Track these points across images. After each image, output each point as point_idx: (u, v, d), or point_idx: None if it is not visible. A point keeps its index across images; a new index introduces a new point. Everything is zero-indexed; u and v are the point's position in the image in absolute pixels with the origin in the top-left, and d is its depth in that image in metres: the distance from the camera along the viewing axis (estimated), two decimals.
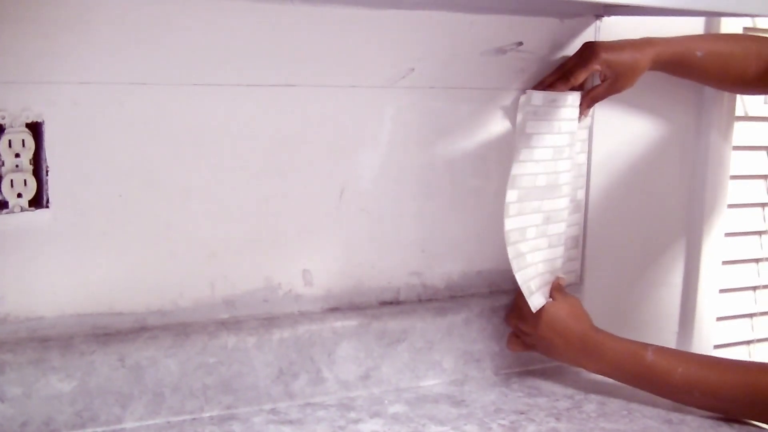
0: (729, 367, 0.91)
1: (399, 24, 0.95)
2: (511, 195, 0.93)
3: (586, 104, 1.03)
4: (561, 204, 1.02)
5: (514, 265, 0.95)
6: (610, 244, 1.16)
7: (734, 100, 1.22)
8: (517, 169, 0.93)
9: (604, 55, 0.99)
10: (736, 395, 0.88)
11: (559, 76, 1.02)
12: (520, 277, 0.96)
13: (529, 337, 1.01)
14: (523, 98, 0.95)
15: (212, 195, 0.89)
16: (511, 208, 0.94)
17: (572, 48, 1.06)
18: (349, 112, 0.95)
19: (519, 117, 0.95)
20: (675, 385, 0.91)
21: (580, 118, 1.03)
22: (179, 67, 0.85)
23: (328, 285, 0.97)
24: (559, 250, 1.03)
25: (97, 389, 0.82)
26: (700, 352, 1.17)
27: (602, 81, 1.02)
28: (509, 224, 0.94)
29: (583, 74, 1.00)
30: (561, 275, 1.04)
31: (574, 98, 1.01)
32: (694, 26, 1.17)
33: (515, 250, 0.95)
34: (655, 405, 0.95)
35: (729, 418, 0.91)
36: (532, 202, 0.97)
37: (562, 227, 1.03)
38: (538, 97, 0.96)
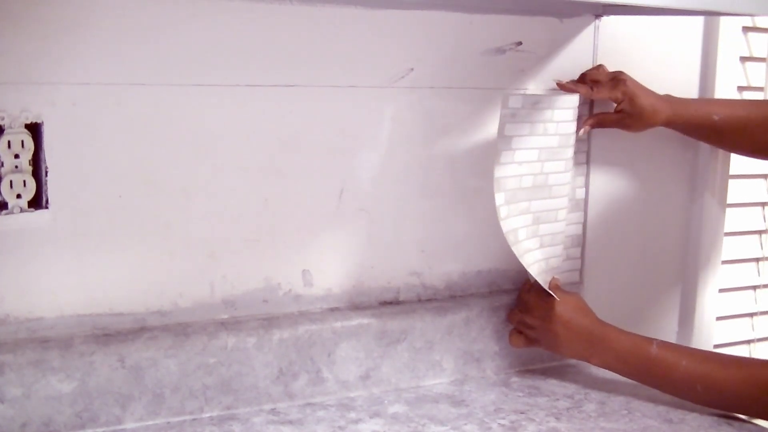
0: (733, 362, 0.91)
1: (399, 24, 0.95)
2: (498, 198, 0.93)
3: (590, 123, 1.05)
4: (553, 204, 1.00)
5: (524, 261, 0.96)
6: (610, 244, 1.16)
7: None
8: (499, 172, 0.92)
9: (633, 89, 1.02)
10: (739, 390, 0.88)
11: (581, 81, 1.04)
12: (533, 270, 0.96)
13: (534, 330, 1.01)
14: (502, 101, 0.93)
15: (212, 195, 0.89)
16: (502, 211, 0.93)
17: (572, 48, 1.06)
18: (349, 112, 0.95)
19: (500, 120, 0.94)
20: (678, 379, 0.91)
21: (578, 133, 1.02)
22: (179, 67, 0.85)
23: (328, 285, 0.97)
24: (554, 250, 1.03)
25: (97, 390, 0.82)
26: None
27: (616, 111, 1.04)
28: (505, 226, 0.94)
29: (606, 94, 1.02)
30: (556, 276, 1.04)
31: (570, 99, 0.99)
32: (693, 26, 1.17)
33: (518, 249, 0.95)
34: (655, 404, 0.95)
35: (729, 416, 0.91)
36: (520, 203, 0.96)
37: (556, 227, 1.02)
38: (516, 99, 0.94)
